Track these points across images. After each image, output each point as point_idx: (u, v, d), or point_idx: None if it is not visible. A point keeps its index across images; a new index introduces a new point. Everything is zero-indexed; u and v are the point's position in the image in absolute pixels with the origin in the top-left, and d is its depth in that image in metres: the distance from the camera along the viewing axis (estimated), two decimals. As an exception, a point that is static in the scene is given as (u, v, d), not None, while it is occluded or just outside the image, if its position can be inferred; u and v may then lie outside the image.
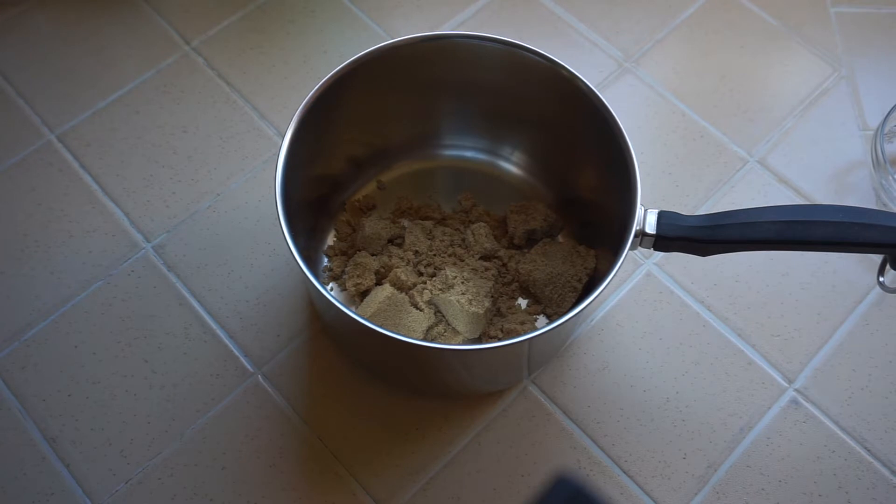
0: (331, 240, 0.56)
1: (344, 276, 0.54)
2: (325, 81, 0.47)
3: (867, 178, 0.61)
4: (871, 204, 0.60)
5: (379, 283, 0.53)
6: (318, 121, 0.47)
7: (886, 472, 0.51)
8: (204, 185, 0.59)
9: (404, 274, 0.52)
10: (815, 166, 0.62)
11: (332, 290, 0.54)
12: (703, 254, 0.44)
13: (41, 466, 0.50)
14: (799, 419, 0.53)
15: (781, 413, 0.53)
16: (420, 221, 0.56)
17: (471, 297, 0.51)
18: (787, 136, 0.63)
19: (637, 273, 0.57)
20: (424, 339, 0.51)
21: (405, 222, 0.56)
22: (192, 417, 0.52)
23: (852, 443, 0.52)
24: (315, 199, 0.54)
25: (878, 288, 0.57)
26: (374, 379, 0.53)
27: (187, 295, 0.55)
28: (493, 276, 0.53)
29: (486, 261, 0.54)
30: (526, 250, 0.55)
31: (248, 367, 0.53)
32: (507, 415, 0.52)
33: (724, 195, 0.60)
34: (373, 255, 0.54)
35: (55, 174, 0.59)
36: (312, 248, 0.55)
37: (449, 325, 0.51)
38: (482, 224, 0.55)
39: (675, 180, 0.61)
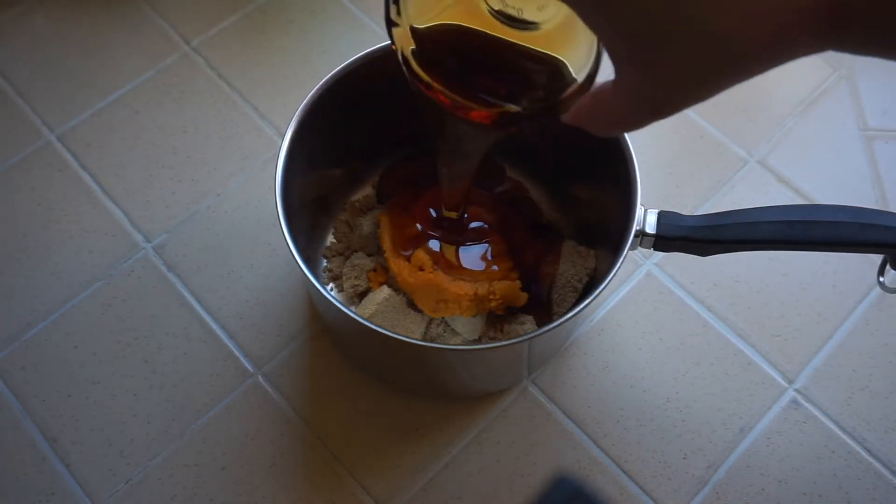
0: (330, 240, 0.56)
1: (342, 277, 0.54)
2: (325, 81, 0.47)
3: (867, 178, 0.61)
4: (871, 204, 0.60)
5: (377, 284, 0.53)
6: (317, 121, 0.47)
7: (886, 473, 0.51)
8: (204, 185, 0.59)
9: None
10: (815, 166, 0.62)
11: (331, 290, 0.54)
12: (703, 254, 0.44)
13: (41, 467, 0.50)
14: (799, 419, 0.53)
15: (781, 413, 0.53)
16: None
17: (471, 298, 0.51)
18: (787, 136, 0.63)
19: (637, 273, 0.57)
20: (424, 340, 0.51)
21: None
22: (192, 417, 0.52)
23: (852, 443, 0.52)
24: (315, 200, 0.54)
25: (878, 288, 0.57)
26: (374, 379, 0.53)
27: (187, 295, 0.55)
28: (493, 276, 0.53)
29: (486, 261, 0.54)
30: (526, 250, 0.55)
31: (248, 367, 0.53)
32: (506, 415, 0.52)
33: (724, 195, 0.60)
34: (369, 255, 0.54)
35: (55, 174, 0.59)
36: (312, 249, 0.55)
37: (448, 326, 0.51)
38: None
39: (675, 180, 0.61)
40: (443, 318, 0.51)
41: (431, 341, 0.51)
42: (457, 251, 0.52)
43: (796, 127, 0.63)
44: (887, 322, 0.56)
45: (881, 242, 0.41)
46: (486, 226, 0.54)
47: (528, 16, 0.31)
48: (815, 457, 0.52)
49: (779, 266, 0.58)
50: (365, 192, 0.57)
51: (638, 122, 0.28)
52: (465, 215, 0.54)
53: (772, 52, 0.24)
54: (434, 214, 0.53)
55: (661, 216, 0.44)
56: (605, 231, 0.49)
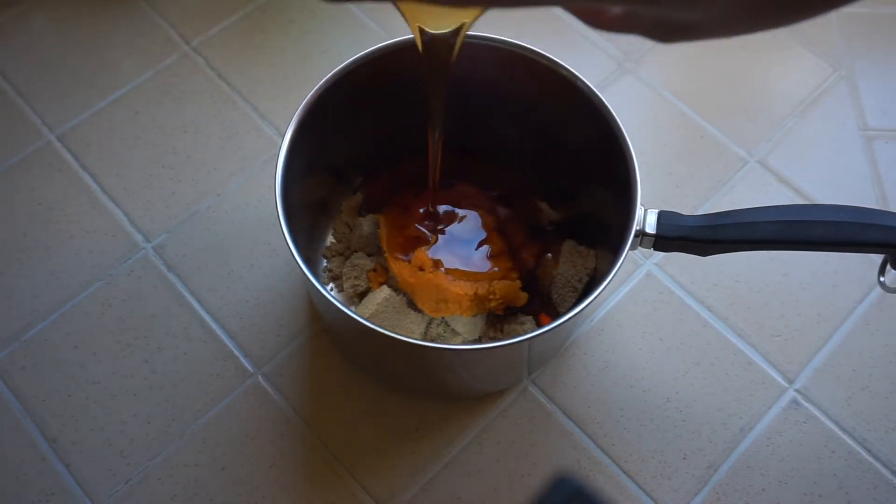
0: (330, 240, 0.56)
1: (342, 277, 0.54)
2: (326, 81, 0.47)
3: (867, 178, 0.61)
4: (871, 204, 0.60)
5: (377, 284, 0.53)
6: (318, 121, 0.47)
7: (886, 473, 0.51)
8: (204, 185, 0.59)
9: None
10: (815, 166, 0.62)
11: (331, 290, 0.54)
12: (703, 254, 0.44)
13: (41, 467, 0.50)
14: (799, 419, 0.53)
15: (782, 413, 0.53)
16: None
17: (471, 298, 0.51)
18: (787, 136, 0.63)
19: (637, 273, 0.57)
20: (424, 340, 0.51)
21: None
22: (192, 417, 0.52)
23: (852, 443, 0.52)
24: (315, 200, 0.54)
25: (878, 288, 0.57)
26: (374, 379, 0.53)
27: (187, 295, 0.55)
28: (493, 276, 0.53)
29: (486, 261, 0.54)
30: (526, 250, 0.55)
31: (248, 367, 0.53)
32: (506, 415, 0.52)
33: (724, 195, 0.60)
34: (369, 255, 0.54)
35: (55, 174, 0.59)
36: (312, 249, 0.55)
37: (448, 326, 0.51)
38: (482, 224, 0.55)
39: (675, 180, 0.61)
40: (443, 318, 0.51)
41: (431, 341, 0.51)
42: (443, 256, 0.52)
43: (796, 127, 0.63)
44: (887, 322, 0.56)
45: (881, 242, 0.41)
46: (474, 212, 0.54)
47: None
48: (815, 457, 0.52)
49: (779, 266, 0.58)
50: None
51: (637, 34, 0.25)
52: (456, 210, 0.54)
53: None
54: (425, 210, 0.54)
55: (661, 216, 0.44)
56: (605, 231, 0.49)
